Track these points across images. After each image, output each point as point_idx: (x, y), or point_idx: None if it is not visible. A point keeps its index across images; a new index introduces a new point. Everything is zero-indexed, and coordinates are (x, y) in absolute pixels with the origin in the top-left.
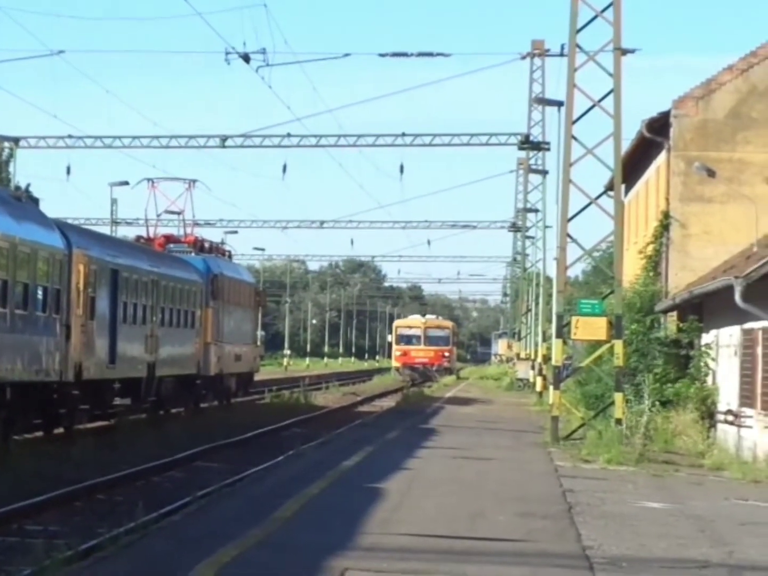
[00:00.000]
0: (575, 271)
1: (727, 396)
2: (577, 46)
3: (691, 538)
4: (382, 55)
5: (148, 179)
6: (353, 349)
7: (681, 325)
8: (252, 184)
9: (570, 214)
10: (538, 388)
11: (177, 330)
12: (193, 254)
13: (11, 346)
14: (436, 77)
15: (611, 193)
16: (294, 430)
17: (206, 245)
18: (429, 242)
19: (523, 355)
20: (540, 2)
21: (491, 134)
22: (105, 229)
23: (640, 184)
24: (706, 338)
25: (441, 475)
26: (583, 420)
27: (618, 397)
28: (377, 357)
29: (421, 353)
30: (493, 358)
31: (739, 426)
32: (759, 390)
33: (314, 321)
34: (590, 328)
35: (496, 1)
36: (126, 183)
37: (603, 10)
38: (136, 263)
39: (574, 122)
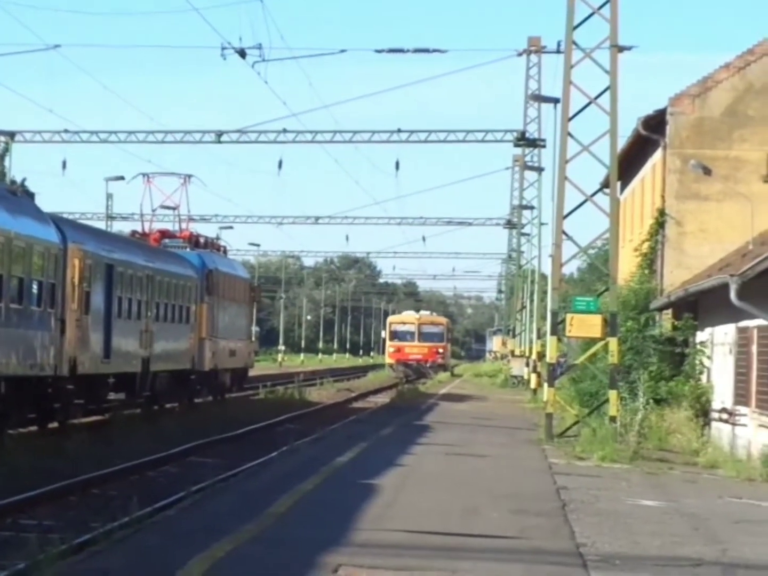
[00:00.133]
0: (570, 269)
1: (722, 394)
2: (574, 43)
3: (685, 536)
4: (378, 51)
5: (144, 174)
6: (348, 346)
7: (676, 322)
8: (247, 179)
9: (565, 212)
10: (533, 385)
11: (172, 325)
12: (188, 249)
13: (6, 341)
14: (433, 73)
15: (607, 190)
16: (288, 426)
17: (201, 240)
18: (424, 239)
19: (517, 353)
20: None
21: (487, 131)
22: (100, 224)
23: (635, 182)
24: (701, 336)
25: (435, 471)
26: (577, 417)
27: (612, 394)
28: (372, 353)
29: (414, 349)
30: (487, 355)
31: (734, 424)
32: (754, 388)
33: (309, 317)
34: (585, 325)
35: None
36: (121, 178)
37: (600, 7)
38: (132, 258)
39: (570, 119)
